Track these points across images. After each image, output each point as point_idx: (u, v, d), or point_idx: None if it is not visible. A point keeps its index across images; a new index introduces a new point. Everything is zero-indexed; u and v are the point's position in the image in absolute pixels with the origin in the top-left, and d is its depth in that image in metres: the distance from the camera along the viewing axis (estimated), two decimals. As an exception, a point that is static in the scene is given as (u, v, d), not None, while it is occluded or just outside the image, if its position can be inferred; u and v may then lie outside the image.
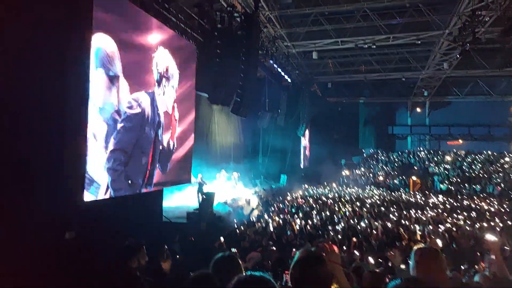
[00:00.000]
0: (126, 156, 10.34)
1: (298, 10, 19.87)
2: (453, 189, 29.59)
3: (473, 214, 16.59)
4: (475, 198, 24.41)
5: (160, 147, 12.11)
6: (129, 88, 10.27)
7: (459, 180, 31.16)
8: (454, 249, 9.69)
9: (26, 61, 7.59)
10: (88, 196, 8.73)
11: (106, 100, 9.39)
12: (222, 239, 9.69)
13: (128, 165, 10.35)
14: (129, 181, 10.43)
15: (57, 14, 7.78)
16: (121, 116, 9.99)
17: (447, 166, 34.32)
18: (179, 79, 13.29)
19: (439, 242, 9.11)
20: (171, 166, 13.09)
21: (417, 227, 12.07)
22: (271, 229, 12.53)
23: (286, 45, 23.52)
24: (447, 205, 20.40)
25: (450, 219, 15.21)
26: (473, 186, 29.40)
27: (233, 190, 20.71)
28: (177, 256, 7.16)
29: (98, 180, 9.19)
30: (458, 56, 21.46)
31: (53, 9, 7.74)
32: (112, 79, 9.57)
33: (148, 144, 11.43)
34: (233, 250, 6.11)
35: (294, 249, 8.40)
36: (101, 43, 9.12)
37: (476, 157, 35.73)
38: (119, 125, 9.95)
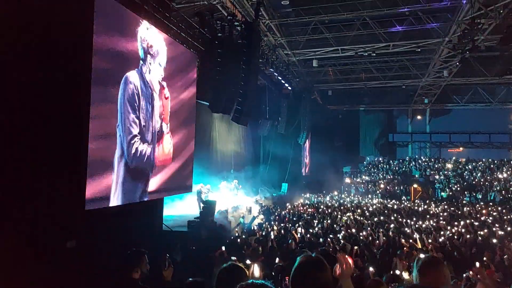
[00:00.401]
0: (137, 139, 10.68)
1: (298, 19, 19.96)
2: (454, 196, 29.55)
3: (474, 221, 16.54)
4: (477, 205, 24.35)
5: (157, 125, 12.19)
6: (114, 70, 10.16)
7: (459, 188, 31.11)
8: (455, 257, 9.65)
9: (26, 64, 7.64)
10: (89, 205, 8.71)
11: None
12: (223, 248, 9.66)
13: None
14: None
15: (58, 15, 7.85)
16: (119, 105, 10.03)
17: (448, 174, 34.28)
18: (175, 79, 13.27)
19: (439, 250, 9.11)
20: (171, 172, 13.08)
21: (418, 235, 12.03)
22: (272, 237, 12.49)
23: (286, 53, 23.60)
24: (448, 212, 20.36)
25: (451, 227, 15.17)
26: (474, 193, 29.34)
27: (234, 198, 20.70)
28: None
29: (103, 188, 9.18)
30: (458, 63, 21.52)
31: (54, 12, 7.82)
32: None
33: (149, 119, 11.56)
34: (233, 258, 6.08)
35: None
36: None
37: (477, 164, 35.70)
38: (121, 114, 10.07)
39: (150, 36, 11.51)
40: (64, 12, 7.87)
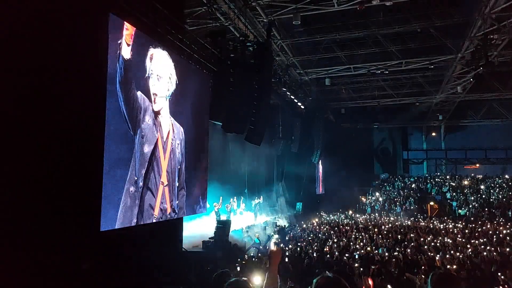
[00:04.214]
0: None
1: (310, 38, 20.09)
2: (472, 213, 29.02)
3: (493, 239, 16.22)
4: (495, 222, 23.89)
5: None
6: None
7: (477, 205, 30.58)
8: (476, 275, 9.47)
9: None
10: (104, 225, 8.70)
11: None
12: (238, 268, 9.62)
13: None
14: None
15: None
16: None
17: (465, 191, 33.78)
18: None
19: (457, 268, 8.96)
20: (186, 197, 13.08)
21: (436, 253, 11.84)
22: (287, 258, 12.38)
23: (298, 72, 23.72)
24: (466, 230, 20.02)
25: (470, 244, 14.90)
26: (493, 210, 28.81)
27: (249, 218, 20.61)
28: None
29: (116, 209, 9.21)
30: (471, 79, 21.40)
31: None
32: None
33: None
34: (244, 279, 6.06)
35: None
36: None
37: (495, 180, 35.12)
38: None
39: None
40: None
